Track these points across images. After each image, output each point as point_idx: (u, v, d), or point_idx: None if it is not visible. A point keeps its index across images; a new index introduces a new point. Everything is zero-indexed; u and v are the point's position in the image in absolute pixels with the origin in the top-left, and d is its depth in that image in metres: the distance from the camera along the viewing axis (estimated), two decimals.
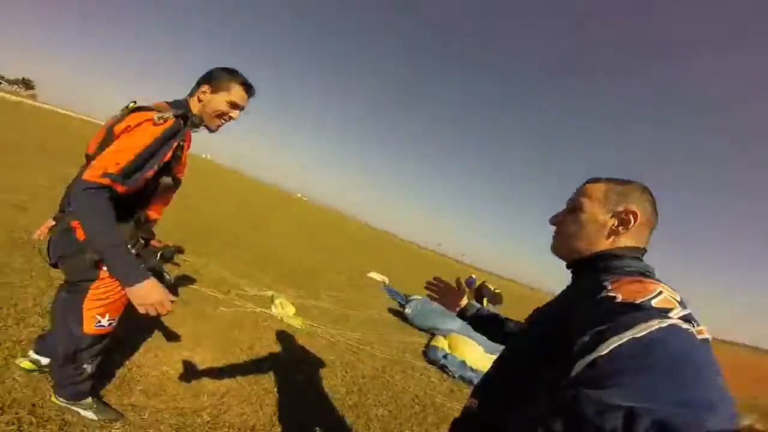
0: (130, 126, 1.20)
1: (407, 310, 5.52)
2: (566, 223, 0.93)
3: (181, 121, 1.29)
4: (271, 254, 6.75)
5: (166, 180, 1.37)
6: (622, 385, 0.42)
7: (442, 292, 1.39)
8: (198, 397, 1.98)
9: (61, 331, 1.35)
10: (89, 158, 1.26)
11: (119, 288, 1.29)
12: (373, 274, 8.72)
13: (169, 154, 1.28)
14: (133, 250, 1.29)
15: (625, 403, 0.39)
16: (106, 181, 1.10)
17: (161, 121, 1.21)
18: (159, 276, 1.26)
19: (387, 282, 8.36)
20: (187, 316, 2.89)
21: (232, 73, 1.42)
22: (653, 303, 0.55)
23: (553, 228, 0.96)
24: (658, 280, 0.67)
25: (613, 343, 0.48)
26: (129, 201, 1.25)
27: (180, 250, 4.40)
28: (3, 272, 2.46)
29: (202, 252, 4.92)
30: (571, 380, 0.49)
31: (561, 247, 0.94)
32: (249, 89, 1.45)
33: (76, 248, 1.24)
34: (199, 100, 1.40)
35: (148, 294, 1.12)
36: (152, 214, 1.43)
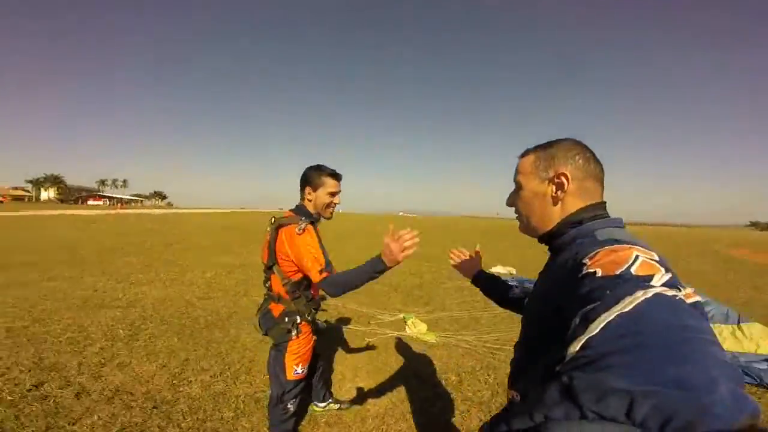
0: (290, 241, 1.68)
1: None
2: (518, 204, 0.96)
3: (311, 223, 1.77)
4: (394, 279, 7.22)
5: None
6: (617, 367, 0.41)
7: (462, 261, 1.52)
8: (365, 421, 2.39)
9: (273, 380, 1.85)
10: (267, 265, 1.79)
11: (306, 344, 1.83)
12: (498, 269, 8.54)
13: None
14: (309, 317, 1.82)
15: (622, 386, 0.38)
16: (325, 274, 1.60)
17: (300, 231, 1.67)
18: (314, 324, 1.86)
19: (514, 273, 8.14)
20: (343, 351, 3.48)
21: (319, 169, 1.80)
22: (633, 271, 0.55)
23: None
24: (632, 241, 0.67)
25: (602, 321, 0.47)
26: (304, 285, 1.78)
27: (324, 297, 5.20)
28: (239, 339, 3.54)
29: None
30: (567, 365, 0.48)
31: (523, 227, 0.97)
32: (336, 176, 1.84)
33: (274, 322, 1.78)
34: (309, 201, 1.82)
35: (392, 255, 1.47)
36: (314, 292, 1.91)
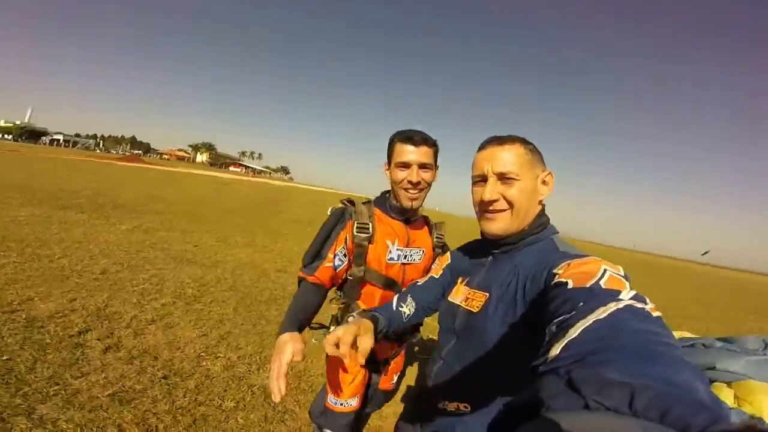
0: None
1: None
2: (513, 198, 0.88)
3: (347, 206, 1.36)
4: None
5: None
6: (607, 362, 0.38)
7: None
8: None
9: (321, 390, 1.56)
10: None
11: (350, 376, 1.40)
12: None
13: (341, 240, 1.33)
14: None
15: (622, 378, 0.35)
16: (301, 273, 1.33)
17: (331, 212, 1.38)
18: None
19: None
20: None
21: (394, 135, 1.32)
22: (602, 284, 0.58)
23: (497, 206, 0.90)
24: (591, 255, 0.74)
25: (580, 327, 0.47)
26: (347, 285, 1.41)
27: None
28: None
29: None
30: (552, 364, 0.44)
31: (509, 228, 0.90)
32: (409, 139, 1.26)
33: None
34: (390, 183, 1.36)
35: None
36: (365, 300, 1.44)
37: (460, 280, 1.03)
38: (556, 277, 0.67)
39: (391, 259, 1.35)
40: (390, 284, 1.37)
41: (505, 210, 0.89)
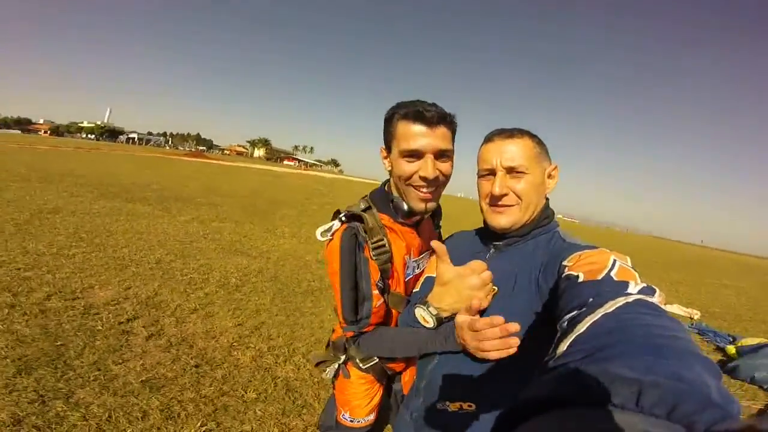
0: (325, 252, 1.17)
1: (739, 360, 3.74)
2: (522, 192, 0.87)
3: (353, 225, 1.02)
4: None
5: None
6: (615, 358, 0.37)
7: None
8: None
9: (326, 406, 1.43)
10: None
11: (360, 394, 1.24)
12: (674, 308, 6.36)
13: (374, 271, 1.02)
14: (362, 364, 1.19)
15: (629, 375, 0.33)
16: (350, 333, 1.10)
17: (326, 236, 1.05)
18: (382, 373, 1.27)
19: (696, 318, 5.94)
20: None
21: (396, 108, 0.97)
22: (613, 276, 0.58)
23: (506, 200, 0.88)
24: (601, 248, 0.74)
25: (588, 322, 0.46)
26: None
27: None
28: (323, 314, 3.49)
29: None
30: (561, 359, 0.43)
31: (519, 221, 0.88)
32: (420, 116, 0.92)
33: (328, 345, 1.32)
34: (390, 175, 1.05)
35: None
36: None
37: None
38: (566, 269, 0.68)
39: (408, 275, 1.10)
40: (406, 302, 1.12)
41: (514, 205, 0.88)
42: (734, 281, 13.82)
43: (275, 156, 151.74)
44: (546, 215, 0.90)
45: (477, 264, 0.84)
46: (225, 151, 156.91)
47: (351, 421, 1.25)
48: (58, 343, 2.38)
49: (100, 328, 2.65)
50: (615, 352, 0.39)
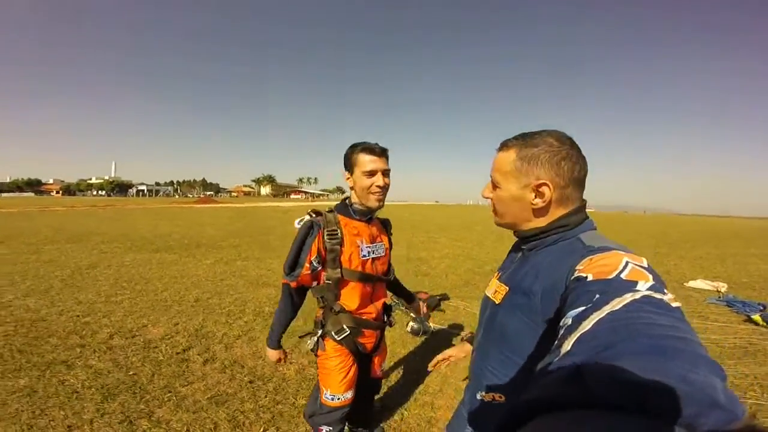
0: None
1: None
2: (494, 201, 0.93)
3: (314, 218, 1.48)
4: None
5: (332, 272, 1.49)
6: (619, 358, 0.38)
7: None
8: None
9: (312, 393, 1.80)
10: None
11: (335, 368, 1.55)
12: (698, 283, 6.36)
13: (314, 250, 1.45)
14: (337, 335, 1.53)
15: (631, 377, 0.35)
16: (284, 280, 1.54)
17: (298, 223, 1.51)
18: (353, 345, 1.58)
19: (723, 291, 5.88)
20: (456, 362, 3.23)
21: (353, 147, 1.48)
22: (623, 277, 0.56)
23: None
24: (620, 247, 0.70)
25: (593, 319, 0.46)
26: (327, 289, 1.52)
27: (444, 298, 5.00)
28: None
29: (467, 296, 5.35)
30: (565, 359, 0.44)
31: (497, 222, 0.96)
32: (371, 150, 1.45)
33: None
34: (352, 189, 1.53)
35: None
36: (350, 305, 1.55)
37: (496, 274, 1.03)
38: (577, 272, 0.66)
39: (364, 255, 1.51)
40: (366, 278, 1.53)
41: (494, 210, 0.95)
42: (761, 248, 13.52)
43: (281, 191, 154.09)
44: (562, 224, 0.83)
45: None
46: (232, 193, 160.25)
47: (332, 399, 1.57)
48: (131, 372, 2.70)
49: (162, 358, 2.97)
50: (620, 352, 0.39)
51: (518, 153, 0.83)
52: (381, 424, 2.27)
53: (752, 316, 4.37)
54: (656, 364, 0.35)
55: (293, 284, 1.50)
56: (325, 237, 1.44)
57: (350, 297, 1.52)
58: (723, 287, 6.02)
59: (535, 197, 0.83)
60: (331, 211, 1.54)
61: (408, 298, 1.95)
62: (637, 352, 0.38)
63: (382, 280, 1.64)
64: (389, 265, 1.72)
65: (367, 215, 1.55)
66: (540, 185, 0.81)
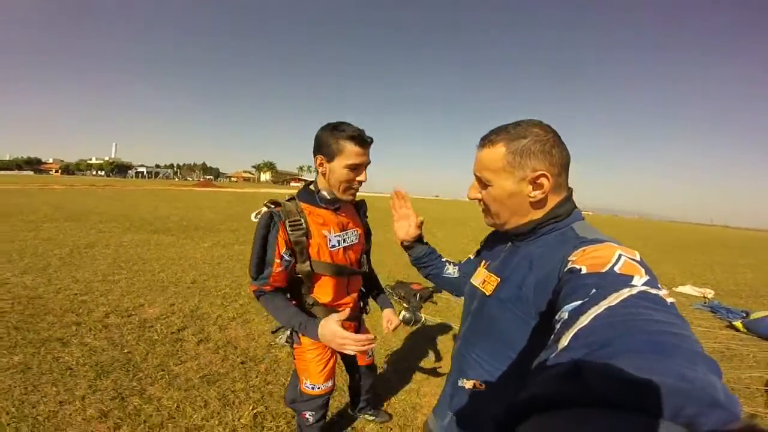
0: None
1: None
2: (486, 201, 0.90)
3: (272, 209, 1.32)
4: None
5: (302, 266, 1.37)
6: (617, 356, 0.38)
7: (403, 212, 1.29)
8: None
9: (291, 380, 1.73)
10: None
11: (313, 359, 1.48)
12: (687, 288, 6.46)
13: (281, 244, 1.30)
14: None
15: (630, 376, 0.35)
16: (253, 287, 1.38)
17: (255, 217, 1.33)
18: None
19: (710, 297, 6.04)
20: (441, 353, 3.29)
21: (336, 130, 1.27)
22: (617, 270, 0.56)
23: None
24: (612, 239, 0.71)
25: (591, 314, 0.47)
26: (298, 283, 1.42)
27: (437, 290, 5.05)
28: None
29: None
30: (562, 355, 0.44)
31: (491, 223, 0.94)
32: (362, 141, 1.27)
33: None
34: (322, 174, 1.34)
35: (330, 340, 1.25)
36: (322, 297, 1.45)
37: (483, 263, 1.02)
38: (570, 263, 0.65)
39: (333, 246, 1.39)
40: (339, 271, 1.42)
41: (486, 210, 0.91)
42: (750, 258, 13.88)
43: (281, 179, 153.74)
44: (555, 215, 0.82)
45: (363, 337, 1.18)
46: (232, 179, 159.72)
47: (311, 388, 1.51)
48: (125, 351, 2.75)
49: (157, 337, 3.02)
50: (619, 349, 0.38)
51: (508, 147, 0.80)
52: (379, 408, 2.33)
53: (734, 323, 4.49)
54: (655, 362, 0.36)
55: (267, 288, 1.33)
56: (288, 228, 1.29)
57: (323, 290, 1.42)
58: (710, 294, 6.17)
59: (534, 189, 0.81)
60: (291, 199, 1.38)
61: (378, 292, 1.84)
62: (636, 349, 0.38)
63: (356, 273, 1.53)
64: (362, 254, 1.59)
65: (335, 204, 1.41)
66: (538, 177, 0.79)
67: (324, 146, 1.29)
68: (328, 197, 1.37)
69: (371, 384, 1.99)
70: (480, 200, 0.91)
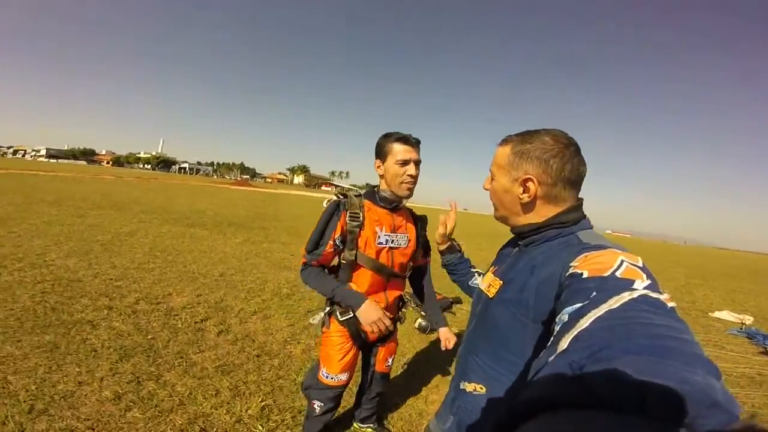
0: None
1: None
2: (490, 193, 0.96)
3: (341, 199, 1.53)
4: None
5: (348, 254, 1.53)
6: (618, 359, 0.38)
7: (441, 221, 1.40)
8: None
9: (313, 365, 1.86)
10: None
11: (334, 347, 1.62)
12: (723, 314, 6.17)
13: (339, 229, 1.49)
14: (341, 316, 1.58)
15: (632, 378, 0.35)
16: (304, 259, 1.56)
17: (325, 205, 1.54)
18: (355, 330, 1.61)
19: (748, 323, 5.71)
20: (454, 362, 3.23)
21: (387, 137, 1.50)
22: (619, 275, 0.56)
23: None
24: (616, 246, 0.70)
25: (592, 317, 0.47)
26: (340, 270, 1.57)
27: (457, 301, 4.97)
28: None
29: None
30: (562, 357, 0.44)
31: (497, 217, 0.98)
32: (406, 140, 1.48)
33: None
34: (381, 177, 1.55)
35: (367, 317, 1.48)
36: (362, 286, 1.57)
37: (492, 268, 1.04)
38: (572, 268, 0.66)
39: (380, 243, 1.53)
40: (379, 268, 1.54)
41: (492, 202, 0.98)
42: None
43: (313, 182, 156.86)
44: (559, 221, 0.83)
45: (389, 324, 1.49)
46: (267, 179, 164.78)
47: (326, 377, 1.64)
48: (149, 336, 2.88)
49: (180, 326, 3.15)
50: (619, 351, 0.38)
51: (513, 148, 0.86)
52: (384, 423, 2.28)
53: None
54: (655, 365, 0.35)
55: (314, 263, 1.53)
56: (348, 218, 1.49)
57: (361, 281, 1.55)
58: (749, 320, 5.83)
59: (523, 191, 0.85)
60: (358, 195, 1.57)
61: (421, 299, 1.91)
62: (636, 352, 0.38)
63: (395, 276, 1.62)
64: (409, 261, 1.68)
65: (392, 203, 1.56)
66: (526, 180, 0.84)
67: (380, 151, 1.52)
68: (387, 196, 1.54)
69: (379, 393, 1.98)
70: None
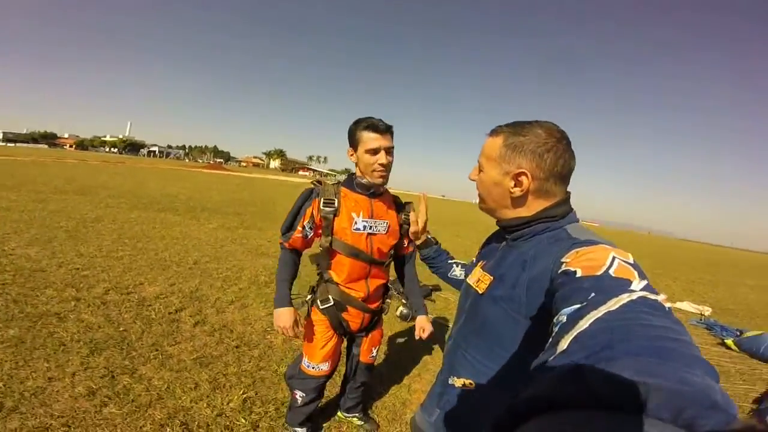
0: None
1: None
2: (477, 184, 0.93)
3: (316, 186, 1.55)
4: None
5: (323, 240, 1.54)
6: (619, 359, 0.38)
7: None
8: None
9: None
10: None
11: (318, 337, 1.64)
12: (684, 305, 6.44)
13: (307, 215, 1.53)
14: (321, 304, 1.61)
15: (634, 378, 0.35)
16: (281, 240, 1.63)
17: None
18: (336, 319, 1.64)
19: (707, 314, 5.99)
20: (435, 350, 3.29)
21: (357, 123, 1.48)
22: (612, 273, 0.56)
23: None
24: (606, 241, 0.70)
25: (591, 318, 0.46)
26: (322, 257, 1.60)
27: (437, 289, 5.02)
28: None
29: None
30: (562, 357, 0.44)
31: (483, 209, 0.96)
32: (375, 128, 1.44)
33: None
34: (356, 165, 1.54)
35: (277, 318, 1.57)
36: (338, 276, 1.59)
37: (480, 263, 1.03)
38: (564, 265, 0.66)
39: (357, 229, 1.51)
40: (356, 253, 1.53)
41: (478, 193, 0.95)
42: (756, 280, 13.81)
43: (290, 167, 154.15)
44: (548, 215, 0.83)
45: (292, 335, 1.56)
46: (242, 163, 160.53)
47: (308, 366, 1.67)
48: (121, 329, 2.75)
49: (154, 316, 3.03)
50: (619, 352, 0.39)
51: (505, 140, 0.84)
52: (368, 412, 2.28)
53: (726, 340, 4.52)
54: (655, 365, 0.36)
55: (287, 245, 1.59)
56: (321, 204, 1.49)
57: (339, 269, 1.56)
58: (707, 311, 6.12)
59: (514, 185, 0.84)
60: (336, 183, 1.58)
61: (404, 285, 1.89)
62: (636, 353, 0.38)
63: (374, 262, 1.59)
64: (391, 248, 1.66)
65: (370, 190, 1.54)
66: (519, 174, 0.82)
67: (351, 138, 1.50)
68: (364, 183, 1.52)
69: (364, 383, 1.98)
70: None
